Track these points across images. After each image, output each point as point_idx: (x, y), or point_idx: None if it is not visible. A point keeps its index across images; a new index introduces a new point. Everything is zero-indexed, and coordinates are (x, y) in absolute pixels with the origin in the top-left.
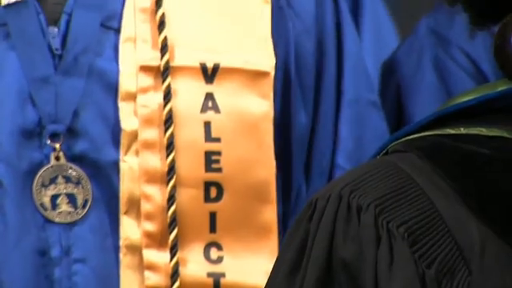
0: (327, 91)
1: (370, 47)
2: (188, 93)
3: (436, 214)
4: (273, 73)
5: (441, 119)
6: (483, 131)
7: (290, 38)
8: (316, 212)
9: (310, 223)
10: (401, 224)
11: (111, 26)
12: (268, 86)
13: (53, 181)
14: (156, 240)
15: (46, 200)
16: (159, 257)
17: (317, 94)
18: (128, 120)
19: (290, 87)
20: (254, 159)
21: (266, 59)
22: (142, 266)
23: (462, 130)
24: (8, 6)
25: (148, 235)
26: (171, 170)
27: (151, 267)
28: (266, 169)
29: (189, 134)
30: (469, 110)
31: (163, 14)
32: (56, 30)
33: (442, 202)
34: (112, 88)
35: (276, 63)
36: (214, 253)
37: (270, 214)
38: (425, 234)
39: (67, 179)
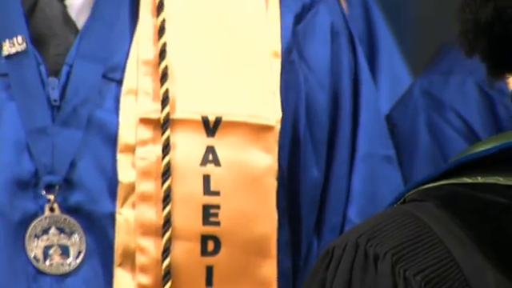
0: (341, 146)
1: (387, 95)
2: (188, 145)
3: (453, 263)
4: (278, 127)
5: (457, 168)
6: (500, 180)
7: (301, 91)
8: (333, 261)
9: (326, 272)
10: (418, 272)
11: (113, 77)
12: (273, 139)
13: (46, 232)
14: None
15: (38, 251)
16: None
17: (330, 148)
18: (126, 172)
19: (299, 141)
20: (255, 213)
21: (271, 113)
22: None
23: (479, 179)
24: (9, 56)
25: None
26: (167, 222)
27: None
28: (267, 223)
29: (187, 186)
30: (485, 159)
31: (166, 67)
32: (56, 80)
33: (459, 250)
34: (111, 139)
35: (284, 117)
36: None
37: (269, 268)
38: (442, 283)
39: (61, 230)
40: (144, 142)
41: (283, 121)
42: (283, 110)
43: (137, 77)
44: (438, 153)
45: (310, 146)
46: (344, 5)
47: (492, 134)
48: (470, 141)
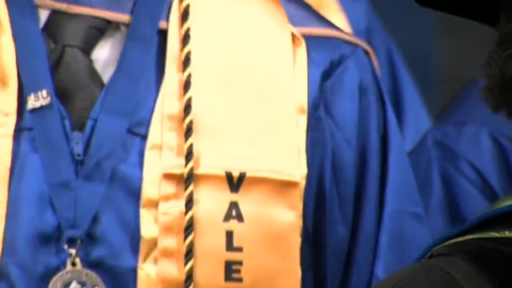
0: (369, 202)
1: (411, 145)
2: (211, 201)
3: None
4: (303, 183)
5: (482, 224)
6: None
7: (327, 148)
8: None
9: None
10: None
11: (138, 132)
12: (297, 196)
13: (67, 286)
14: None
15: None
16: None
17: (357, 204)
18: (148, 227)
19: (324, 197)
20: (278, 270)
21: (296, 169)
22: None
23: (507, 234)
24: (34, 110)
25: None
26: (189, 278)
27: None
28: (290, 280)
29: (209, 242)
30: (509, 216)
31: (191, 121)
32: (80, 135)
33: None
34: (134, 194)
35: (309, 173)
36: None
37: None
38: None
39: (82, 285)
40: (167, 198)
41: (308, 177)
42: (308, 166)
43: (161, 132)
44: (451, 203)
45: (336, 202)
46: (374, 59)
47: (506, 185)
48: (484, 192)
